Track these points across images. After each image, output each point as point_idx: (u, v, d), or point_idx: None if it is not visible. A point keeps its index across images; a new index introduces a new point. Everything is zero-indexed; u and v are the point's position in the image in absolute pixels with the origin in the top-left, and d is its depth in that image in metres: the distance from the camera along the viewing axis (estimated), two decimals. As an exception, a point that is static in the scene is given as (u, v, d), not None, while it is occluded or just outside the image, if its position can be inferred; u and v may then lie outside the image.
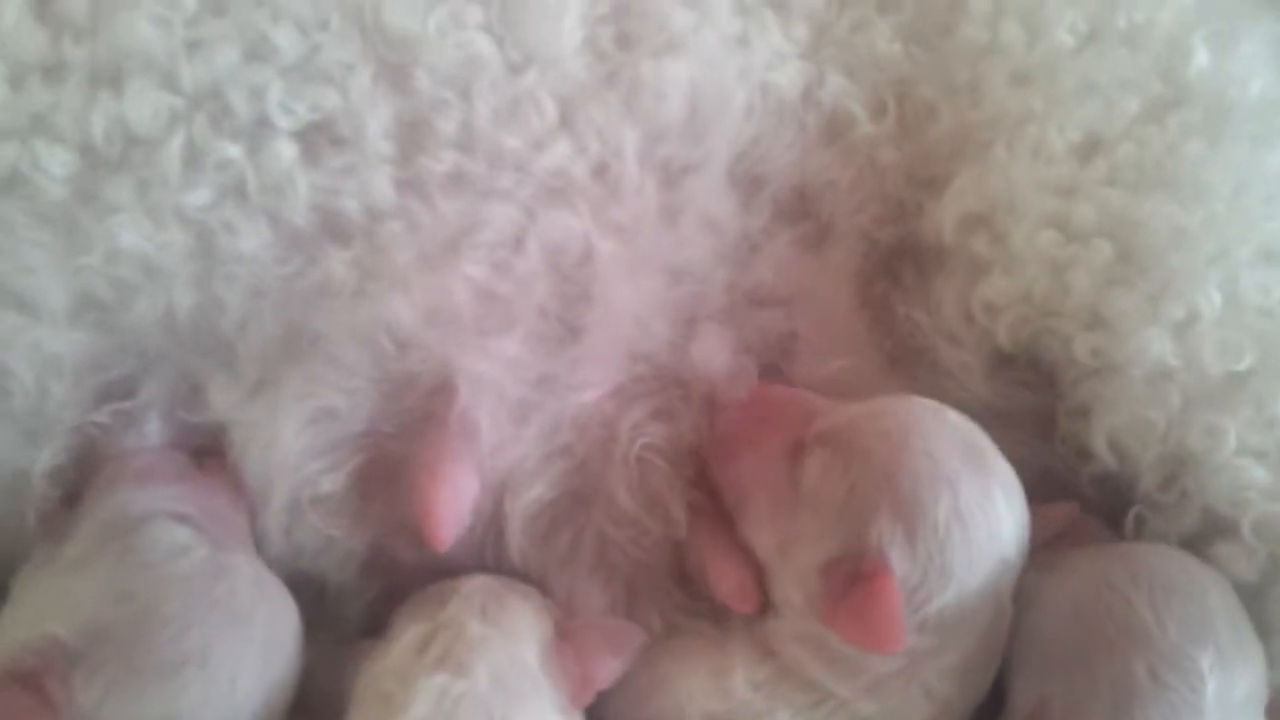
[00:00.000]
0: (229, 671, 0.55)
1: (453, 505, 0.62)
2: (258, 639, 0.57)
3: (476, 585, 0.63)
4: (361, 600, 0.66)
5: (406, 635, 0.60)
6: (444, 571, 0.64)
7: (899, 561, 0.58)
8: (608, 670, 0.61)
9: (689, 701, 0.62)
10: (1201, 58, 0.64)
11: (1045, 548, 0.63)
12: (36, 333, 0.61)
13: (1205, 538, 0.62)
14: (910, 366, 0.69)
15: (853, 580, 0.58)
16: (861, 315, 0.70)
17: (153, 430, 0.64)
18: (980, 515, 0.59)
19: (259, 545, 0.63)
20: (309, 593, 0.63)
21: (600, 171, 0.66)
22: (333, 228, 0.63)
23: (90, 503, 0.61)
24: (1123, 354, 0.63)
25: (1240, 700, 0.57)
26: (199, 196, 0.62)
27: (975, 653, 0.60)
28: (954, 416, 0.62)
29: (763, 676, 0.62)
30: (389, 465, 0.64)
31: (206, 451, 0.65)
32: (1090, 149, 0.65)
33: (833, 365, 0.68)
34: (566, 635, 0.62)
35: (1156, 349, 0.62)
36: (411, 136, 0.64)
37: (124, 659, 0.53)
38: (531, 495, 0.64)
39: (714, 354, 0.67)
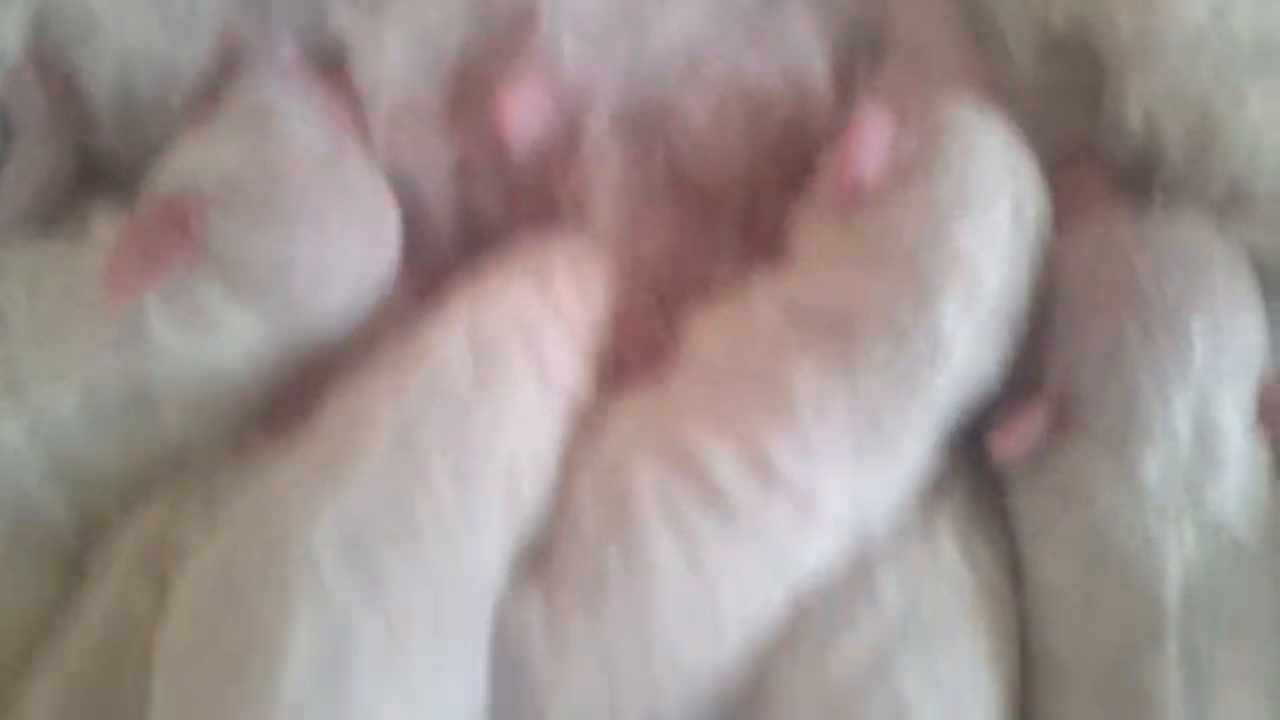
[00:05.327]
0: (338, 233, 0.64)
1: (524, 111, 0.69)
2: (363, 215, 0.65)
3: (560, 250, 0.69)
4: (448, 209, 0.73)
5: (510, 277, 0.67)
6: (520, 187, 0.73)
7: None
8: None
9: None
10: None
11: (1068, 215, 0.65)
12: None
13: (1226, 212, 0.66)
14: (982, 43, 0.73)
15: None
16: None
17: (283, 43, 0.72)
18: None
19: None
20: (402, 204, 0.70)
21: None
22: None
23: (232, 95, 0.69)
24: (1162, 25, 0.65)
25: (1230, 367, 0.59)
26: None
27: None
28: None
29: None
30: (479, 86, 0.71)
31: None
32: None
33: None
34: None
35: (1194, 14, 0.65)
36: None
37: (253, 207, 0.62)
38: (607, 112, 0.71)
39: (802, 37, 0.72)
